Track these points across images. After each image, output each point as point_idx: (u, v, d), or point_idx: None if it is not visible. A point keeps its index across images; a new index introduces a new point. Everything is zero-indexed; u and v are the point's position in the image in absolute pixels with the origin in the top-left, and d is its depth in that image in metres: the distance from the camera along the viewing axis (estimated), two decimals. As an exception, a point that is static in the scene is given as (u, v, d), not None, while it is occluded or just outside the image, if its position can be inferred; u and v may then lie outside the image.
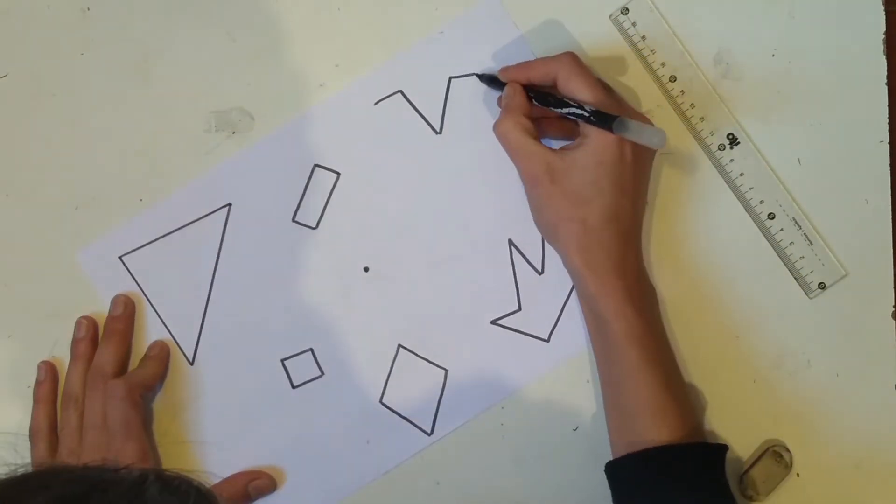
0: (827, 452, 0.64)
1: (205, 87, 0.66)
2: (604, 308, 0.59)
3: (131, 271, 0.65)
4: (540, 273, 0.65)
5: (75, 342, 0.65)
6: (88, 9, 0.66)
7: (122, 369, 0.64)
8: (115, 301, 0.65)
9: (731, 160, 0.65)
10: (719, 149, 0.65)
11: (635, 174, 0.61)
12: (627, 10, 0.65)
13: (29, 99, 0.66)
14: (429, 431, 0.65)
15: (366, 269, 0.65)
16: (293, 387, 0.65)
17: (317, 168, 0.66)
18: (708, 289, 0.65)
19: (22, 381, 0.65)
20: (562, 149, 0.61)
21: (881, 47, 0.65)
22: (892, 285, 0.65)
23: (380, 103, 0.66)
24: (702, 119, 0.65)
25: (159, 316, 0.65)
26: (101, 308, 0.65)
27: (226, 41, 0.66)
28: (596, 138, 0.59)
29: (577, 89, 0.60)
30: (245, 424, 0.65)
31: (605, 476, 0.61)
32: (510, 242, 0.65)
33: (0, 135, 0.66)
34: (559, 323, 0.65)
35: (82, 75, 0.66)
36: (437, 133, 0.66)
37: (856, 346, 0.65)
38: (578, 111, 0.59)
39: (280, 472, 0.65)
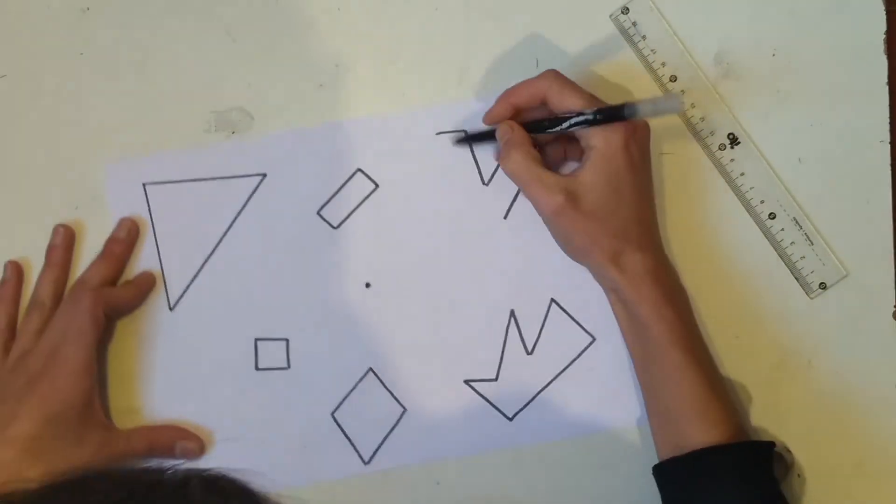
0: (827, 452, 0.64)
1: (205, 87, 0.66)
2: (644, 313, 0.59)
3: (149, 201, 0.65)
4: (528, 353, 0.65)
5: (50, 249, 0.65)
6: (88, 9, 0.66)
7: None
8: (121, 223, 0.65)
9: (732, 160, 0.65)
10: (720, 149, 0.65)
11: (646, 173, 0.61)
12: (628, 9, 0.65)
13: (29, 99, 0.66)
14: (366, 460, 0.65)
15: (367, 285, 0.65)
16: (256, 368, 0.65)
17: (359, 172, 0.66)
18: (708, 288, 0.65)
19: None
20: (573, 172, 0.60)
21: (881, 47, 0.65)
22: (893, 285, 0.65)
23: (441, 135, 0.66)
24: (702, 119, 0.65)
25: (159, 253, 0.65)
26: (105, 225, 0.65)
27: (226, 41, 0.66)
28: (602, 149, 0.59)
29: (572, 100, 0.60)
30: (198, 384, 0.65)
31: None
32: (511, 313, 0.65)
33: (0, 135, 0.66)
34: (527, 408, 0.65)
35: (82, 75, 0.66)
36: (483, 184, 0.65)
37: (856, 346, 0.65)
38: (581, 119, 0.59)
39: (212, 439, 0.65)
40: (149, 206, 0.66)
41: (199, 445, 0.64)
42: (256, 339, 0.65)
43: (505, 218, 0.65)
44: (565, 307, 0.65)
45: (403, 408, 0.65)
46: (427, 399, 0.65)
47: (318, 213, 0.66)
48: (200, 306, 0.66)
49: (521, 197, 0.65)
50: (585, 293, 0.64)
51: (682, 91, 0.65)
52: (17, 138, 0.66)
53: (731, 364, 0.65)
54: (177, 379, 0.65)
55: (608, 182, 0.59)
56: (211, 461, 0.65)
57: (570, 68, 0.63)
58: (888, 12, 0.65)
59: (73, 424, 0.60)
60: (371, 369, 0.65)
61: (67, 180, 0.66)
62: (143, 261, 0.66)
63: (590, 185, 0.59)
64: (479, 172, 0.66)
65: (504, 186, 0.65)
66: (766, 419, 0.65)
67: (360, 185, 0.66)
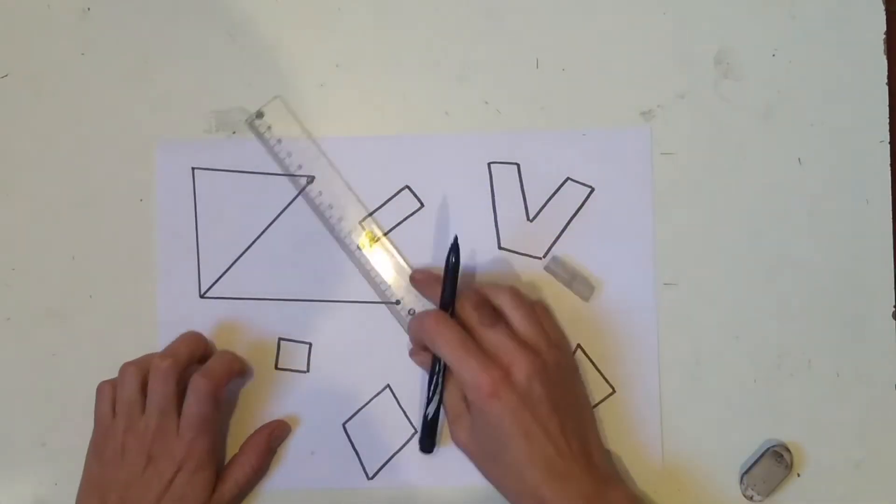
0: (827, 452, 0.64)
1: (205, 87, 0.66)
2: None
3: (195, 185, 0.66)
4: None
5: (183, 338, 0.64)
6: (88, 9, 0.66)
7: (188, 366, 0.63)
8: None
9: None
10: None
11: (536, 411, 0.58)
12: (262, 113, 0.65)
13: (29, 99, 0.66)
14: (370, 475, 0.65)
15: (397, 302, 0.65)
16: (276, 367, 0.65)
17: (406, 189, 0.66)
18: (708, 288, 0.65)
19: (22, 382, 0.65)
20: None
21: (881, 47, 0.66)
22: (893, 285, 0.65)
23: (494, 165, 0.66)
24: (340, 220, 0.65)
25: (197, 238, 0.66)
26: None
27: (226, 41, 0.66)
28: (472, 399, 0.59)
29: (440, 353, 0.60)
30: None
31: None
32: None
33: (0, 135, 0.66)
34: None
35: (82, 75, 0.66)
36: (528, 220, 0.65)
37: (856, 346, 0.65)
38: (425, 408, 0.62)
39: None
40: (194, 190, 0.66)
41: (285, 427, 0.65)
42: (280, 339, 0.66)
43: (543, 257, 0.65)
44: (590, 355, 0.65)
45: (415, 429, 0.65)
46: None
47: (360, 223, 0.66)
48: (230, 297, 0.66)
49: (562, 237, 0.65)
50: (611, 344, 0.65)
51: (321, 192, 0.65)
52: (18, 138, 0.66)
53: (731, 364, 0.65)
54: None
55: (481, 429, 0.59)
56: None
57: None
58: (888, 12, 0.66)
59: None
60: (388, 386, 0.65)
61: (68, 180, 0.66)
62: (180, 244, 0.66)
63: (469, 428, 0.60)
64: (526, 208, 0.65)
65: (547, 225, 0.65)
66: (765, 418, 0.65)
67: (406, 202, 0.66)
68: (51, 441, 0.65)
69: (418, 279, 0.64)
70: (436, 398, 0.62)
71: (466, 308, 0.61)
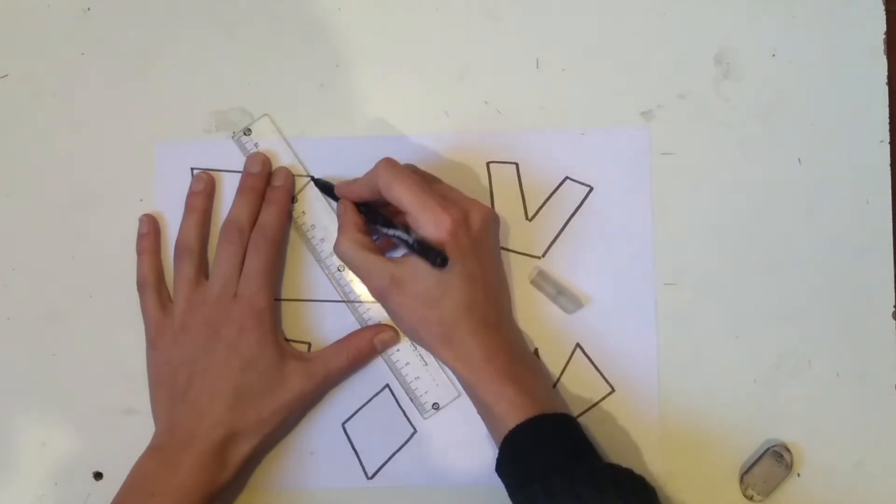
0: (827, 452, 0.64)
1: (205, 87, 0.66)
2: (482, 394, 0.58)
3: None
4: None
5: (190, 195, 0.65)
6: (88, 9, 0.67)
7: (254, 223, 0.64)
8: (253, 159, 0.65)
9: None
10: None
11: (481, 259, 0.60)
12: (250, 130, 0.66)
13: (29, 99, 0.66)
14: (369, 475, 0.65)
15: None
16: None
17: None
18: (708, 288, 0.65)
19: (21, 382, 0.65)
20: (402, 257, 0.60)
21: (881, 47, 0.65)
22: (893, 285, 0.65)
23: (492, 164, 0.66)
24: (322, 240, 0.65)
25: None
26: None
27: (226, 41, 0.66)
28: (428, 238, 0.59)
29: (399, 194, 0.59)
30: None
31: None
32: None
33: (0, 135, 0.66)
34: None
35: (82, 75, 0.66)
36: (527, 219, 0.65)
37: (856, 346, 0.65)
38: (403, 237, 0.59)
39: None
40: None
41: (395, 333, 0.64)
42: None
43: (542, 256, 0.65)
44: (589, 354, 0.65)
45: (414, 429, 0.65)
46: (438, 424, 0.65)
47: None
48: None
49: (561, 237, 0.65)
50: (611, 344, 0.65)
51: (304, 212, 0.65)
52: (18, 138, 0.66)
53: (731, 364, 0.65)
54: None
55: (433, 272, 0.59)
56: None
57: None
58: (888, 12, 0.66)
59: (271, 366, 0.61)
60: (388, 386, 0.65)
61: (68, 180, 0.66)
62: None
63: (414, 271, 0.59)
64: (525, 208, 0.65)
65: (547, 225, 0.65)
66: (765, 418, 0.65)
67: None
68: (51, 441, 0.65)
69: (343, 190, 0.63)
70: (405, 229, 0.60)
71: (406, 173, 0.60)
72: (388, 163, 0.60)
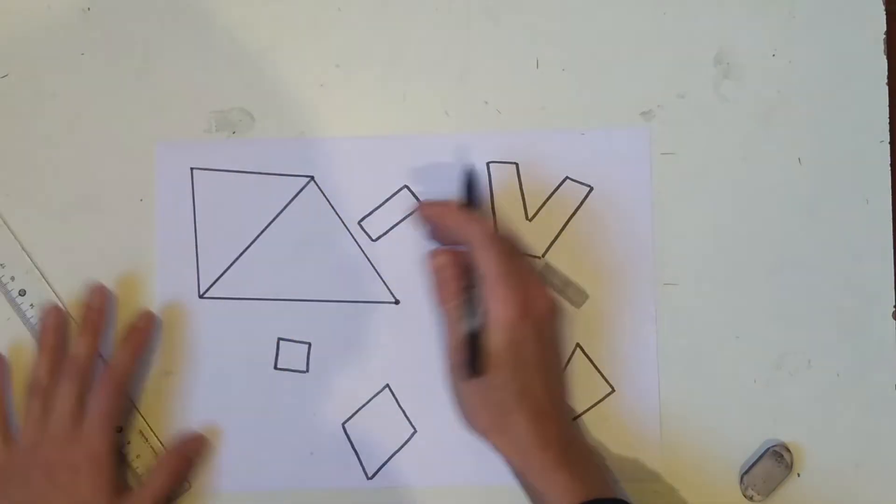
0: (827, 452, 0.64)
1: (205, 87, 0.66)
2: (534, 480, 0.58)
3: (195, 185, 0.66)
4: None
5: (44, 330, 0.64)
6: (88, 9, 0.67)
7: (95, 361, 0.63)
8: (94, 291, 0.64)
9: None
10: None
11: (539, 347, 0.60)
12: (25, 291, 0.65)
13: (29, 99, 0.66)
14: (370, 475, 0.65)
15: (397, 302, 0.65)
16: (275, 367, 0.65)
17: (405, 188, 0.65)
18: (708, 288, 0.65)
19: (20, 382, 0.65)
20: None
21: (881, 47, 0.66)
22: (893, 285, 0.65)
23: (493, 164, 0.66)
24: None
25: (196, 238, 0.65)
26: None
27: (226, 41, 0.66)
28: (491, 329, 0.59)
29: (482, 262, 0.59)
30: (214, 373, 0.65)
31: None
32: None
33: (0, 135, 0.66)
34: None
35: (82, 75, 0.66)
36: (527, 219, 0.65)
37: (856, 346, 0.65)
38: (466, 317, 0.60)
39: (219, 436, 0.65)
40: (193, 190, 0.66)
41: (203, 441, 0.64)
42: (280, 339, 0.65)
43: (542, 256, 0.65)
44: (589, 354, 0.65)
45: (414, 429, 0.65)
46: (439, 424, 0.65)
47: (360, 223, 0.66)
48: (229, 297, 0.66)
49: (561, 237, 0.65)
50: (611, 344, 0.65)
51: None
52: (18, 138, 0.66)
53: (731, 364, 0.65)
54: (195, 366, 0.65)
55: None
56: (217, 456, 0.65)
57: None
58: (888, 12, 0.66)
59: None
60: (388, 386, 0.65)
61: (68, 180, 0.66)
62: (180, 245, 0.65)
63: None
64: (525, 207, 0.65)
65: (547, 225, 0.65)
66: (765, 418, 0.65)
67: (405, 202, 0.65)
68: None
69: (426, 213, 0.63)
70: (478, 311, 0.60)
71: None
72: (483, 229, 0.60)
